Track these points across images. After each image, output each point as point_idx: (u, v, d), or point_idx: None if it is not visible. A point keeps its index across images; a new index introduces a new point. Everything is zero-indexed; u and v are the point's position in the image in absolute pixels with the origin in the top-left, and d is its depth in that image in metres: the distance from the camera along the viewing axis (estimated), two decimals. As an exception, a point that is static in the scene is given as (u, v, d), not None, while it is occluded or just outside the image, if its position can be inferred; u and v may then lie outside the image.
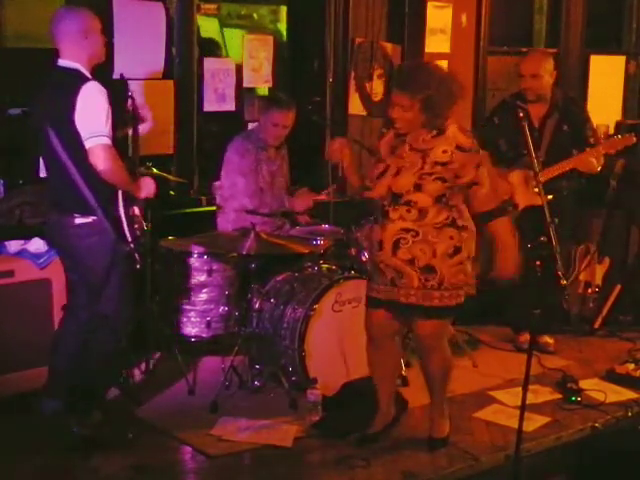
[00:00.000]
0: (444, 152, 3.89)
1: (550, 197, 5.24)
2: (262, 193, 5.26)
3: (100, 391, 4.34)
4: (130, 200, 4.06)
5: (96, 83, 3.93)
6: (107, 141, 3.87)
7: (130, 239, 4.02)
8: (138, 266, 4.11)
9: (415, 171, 3.90)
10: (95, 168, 3.87)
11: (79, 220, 3.99)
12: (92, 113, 3.86)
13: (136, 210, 4.11)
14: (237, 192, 5.22)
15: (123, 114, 4.41)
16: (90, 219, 3.97)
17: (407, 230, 3.94)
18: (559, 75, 5.55)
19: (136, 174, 4.19)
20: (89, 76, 3.98)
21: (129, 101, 4.38)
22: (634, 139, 5.42)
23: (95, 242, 3.99)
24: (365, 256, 4.78)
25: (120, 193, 3.99)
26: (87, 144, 3.86)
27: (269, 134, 5.24)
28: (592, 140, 5.41)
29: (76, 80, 3.92)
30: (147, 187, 4.14)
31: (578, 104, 5.71)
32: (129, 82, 4.63)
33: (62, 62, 4.02)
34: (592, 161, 5.29)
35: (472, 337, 5.78)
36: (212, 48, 6.54)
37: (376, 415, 4.28)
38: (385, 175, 3.98)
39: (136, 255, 4.06)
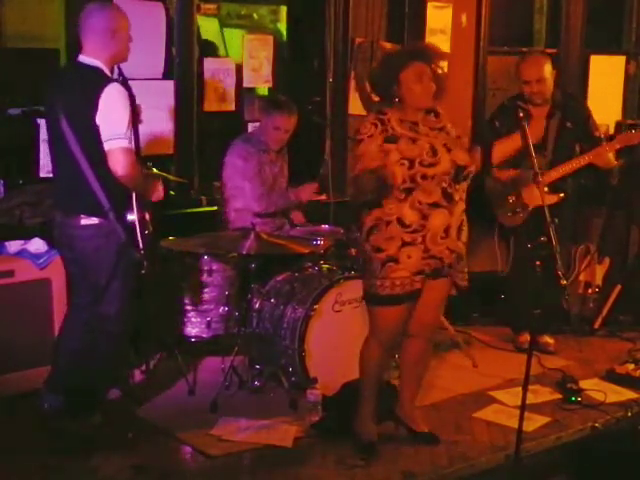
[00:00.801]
0: (451, 127, 4.05)
1: (562, 195, 5.27)
2: (267, 195, 5.26)
3: (101, 392, 4.34)
4: (143, 205, 4.01)
5: (118, 85, 3.89)
6: (128, 144, 3.84)
7: (142, 246, 3.95)
8: (143, 271, 4.05)
9: (459, 144, 4.00)
10: (114, 172, 3.82)
11: (85, 221, 3.94)
12: (114, 115, 3.82)
13: (147, 215, 4.07)
14: (243, 195, 5.21)
15: None
16: (97, 221, 3.92)
17: (465, 211, 4.01)
18: (558, 74, 5.56)
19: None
20: (110, 76, 3.95)
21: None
22: None
23: (100, 244, 3.95)
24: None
25: (134, 198, 3.93)
26: (107, 146, 3.82)
27: (270, 138, 5.23)
28: (597, 133, 5.44)
29: (98, 79, 3.87)
30: (157, 191, 4.12)
31: (577, 100, 5.73)
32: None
33: (83, 58, 3.97)
34: (610, 156, 5.32)
35: (472, 337, 5.80)
36: (212, 48, 6.54)
37: (369, 424, 4.21)
38: (438, 152, 3.92)
39: (144, 261, 3.98)
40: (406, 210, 3.90)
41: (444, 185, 3.91)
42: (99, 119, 3.82)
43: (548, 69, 5.34)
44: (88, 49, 3.95)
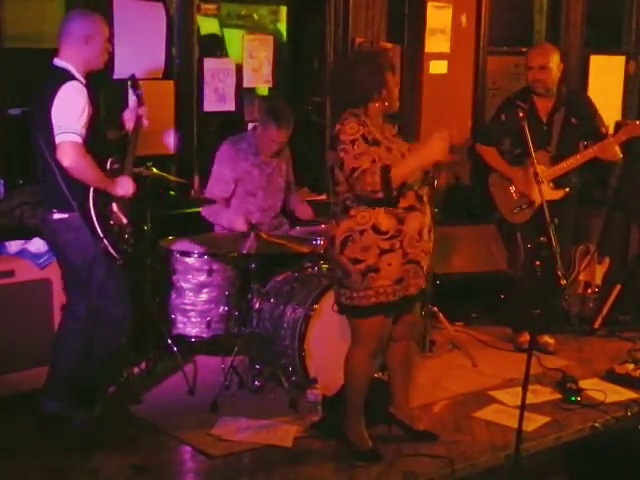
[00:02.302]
0: None
1: (567, 190, 5.27)
2: (254, 197, 5.27)
3: (100, 389, 4.38)
4: (104, 197, 4.08)
5: (77, 82, 3.99)
6: (75, 138, 3.92)
7: (102, 235, 4.03)
8: (120, 262, 4.14)
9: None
10: (61, 163, 3.92)
11: (57, 216, 4.07)
12: (65, 109, 3.92)
13: (114, 207, 4.14)
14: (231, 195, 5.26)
15: (119, 115, 4.46)
16: (67, 215, 4.04)
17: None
18: (565, 70, 5.56)
19: (117, 172, 4.19)
20: (77, 77, 4.03)
21: (136, 101, 4.43)
22: None
23: (73, 238, 4.06)
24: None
25: (91, 189, 4.02)
26: (56, 139, 3.92)
27: (265, 146, 5.23)
28: (603, 130, 5.44)
29: (61, 78, 3.98)
30: (124, 186, 4.14)
31: (583, 97, 5.73)
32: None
33: (56, 61, 4.09)
34: (616, 148, 5.31)
35: (472, 337, 5.80)
36: (212, 48, 6.53)
37: (362, 431, 4.16)
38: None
39: (111, 251, 4.08)
40: (381, 217, 3.86)
41: (415, 188, 3.91)
42: (53, 114, 3.93)
43: (554, 60, 5.34)
44: (62, 53, 4.09)
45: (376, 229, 3.86)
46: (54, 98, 3.93)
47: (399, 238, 3.88)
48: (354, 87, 3.92)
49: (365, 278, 3.89)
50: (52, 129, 3.93)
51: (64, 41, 4.08)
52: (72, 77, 4.00)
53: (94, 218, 4.02)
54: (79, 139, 3.93)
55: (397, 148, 3.95)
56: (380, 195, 3.77)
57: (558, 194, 5.20)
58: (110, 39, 4.27)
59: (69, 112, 3.92)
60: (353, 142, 3.83)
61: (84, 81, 4.06)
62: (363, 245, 3.87)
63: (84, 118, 3.95)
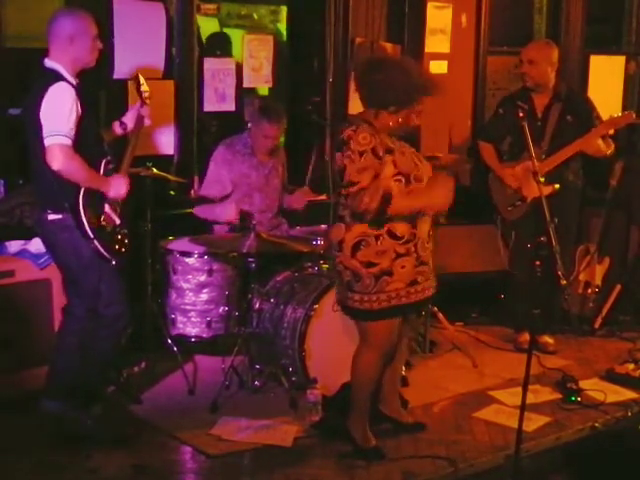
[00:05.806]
0: None
1: (557, 186, 5.26)
2: (251, 198, 5.28)
3: (99, 388, 4.38)
4: (96, 197, 4.06)
5: (65, 83, 3.97)
6: (64, 140, 3.91)
7: (92, 236, 4.02)
8: (114, 263, 4.12)
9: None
10: (50, 166, 3.91)
11: (51, 216, 4.06)
12: (54, 112, 3.92)
13: (106, 207, 4.12)
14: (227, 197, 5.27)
15: (119, 115, 4.46)
16: (61, 215, 4.04)
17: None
18: (560, 68, 5.54)
19: (112, 172, 4.18)
20: (66, 77, 4.02)
21: (139, 99, 4.44)
22: (634, 115, 5.41)
23: (67, 238, 4.05)
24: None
25: (82, 190, 4.01)
26: (45, 142, 3.92)
27: (259, 144, 5.25)
28: None
29: (49, 80, 3.97)
30: (117, 186, 4.13)
31: (581, 96, 5.72)
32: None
33: (46, 62, 4.08)
34: (599, 143, 5.29)
35: (472, 337, 5.80)
36: (212, 48, 6.54)
37: (367, 430, 4.16)
38: (418, 164, 3.96)
39: (103, 252, 4.06)
40: (397, 222, 3.87)
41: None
42: (42, 116, 3.93)
43: (546, 56, 5.33)
44: (51, 53, 4.08)
45: (392, 234, 3.88)
46: (43, 100, 3.91)
47: (413, 242, 3.92)
48: (378, 87, 3.90)
49: (378, 282, 3.90)
50: (42, 131, 3.92)
51: (51, 41, 4.06)
52: (61, 78, 3.99)
53: (84, 219, 4.01)
54: (68, 141, 3.91)
55: (408, 152, 3.95)
56: (369, 217, 3.81)
57: (547, 190, 5.18)
58: (101, 37, 4.22)
59: (57, 114, 3.91)
60: (361, 154, 3.79)
61: (74, 81, 4.05)
62: (379, 249, 3.88)
63: (73, 119, 3.93)
